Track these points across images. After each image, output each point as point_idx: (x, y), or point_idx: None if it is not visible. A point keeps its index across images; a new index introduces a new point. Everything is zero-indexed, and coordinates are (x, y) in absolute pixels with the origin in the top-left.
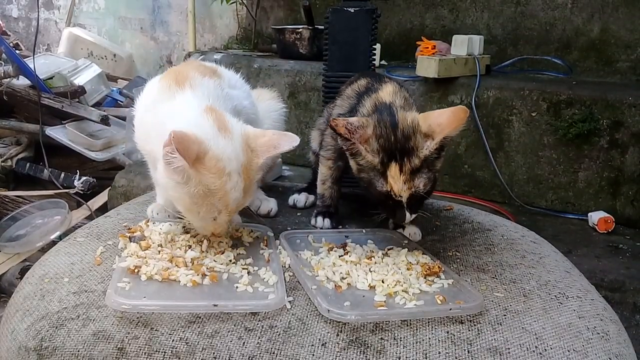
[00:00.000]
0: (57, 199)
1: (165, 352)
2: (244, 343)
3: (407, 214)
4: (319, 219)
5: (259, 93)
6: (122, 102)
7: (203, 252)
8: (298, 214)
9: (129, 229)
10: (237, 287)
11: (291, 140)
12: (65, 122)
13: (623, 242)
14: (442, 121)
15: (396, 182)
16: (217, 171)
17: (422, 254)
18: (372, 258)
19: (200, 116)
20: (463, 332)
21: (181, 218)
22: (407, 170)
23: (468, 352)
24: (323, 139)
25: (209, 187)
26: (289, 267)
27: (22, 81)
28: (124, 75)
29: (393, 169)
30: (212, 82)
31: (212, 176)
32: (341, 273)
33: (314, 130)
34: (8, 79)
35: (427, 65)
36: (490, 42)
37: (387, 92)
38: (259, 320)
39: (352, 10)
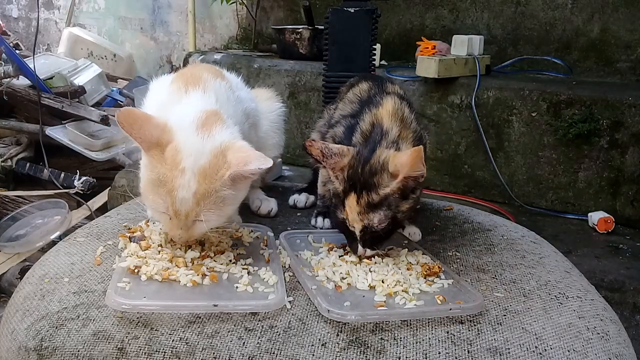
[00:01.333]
0: (57, 199)
1: (165, 352)
2: (244, 343)
3: (360, 247)
4: (319, 219)
5: (256, 93)
6: (122, 102)
7: (204, 251)
8: (298, 214)
9: (129, 229)
10: (237, 287)
11: (262, 162)
12: (65, 122)
13: (623, 242)
14: (403, 161)
15: (352, 212)
16: (172, 163)
17: (422, 254)
18: (372, 258)
19: (190, 113)
20: (463, 332)
21: None
22: (362, 203)
23: (468, 352)
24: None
25: (160, 177)
26: (289, 267)
27: (22, 81)
28: (124, 75)
29: (351, 199)
30: (224, 84)
31: (165, 166)
32: (341, 273)
33: (314, 132)
34: (8, 79)
35: (427, 66)
36: (490, 42)
37: (387, 112)
38: (259, 320)
39: (352, 10)
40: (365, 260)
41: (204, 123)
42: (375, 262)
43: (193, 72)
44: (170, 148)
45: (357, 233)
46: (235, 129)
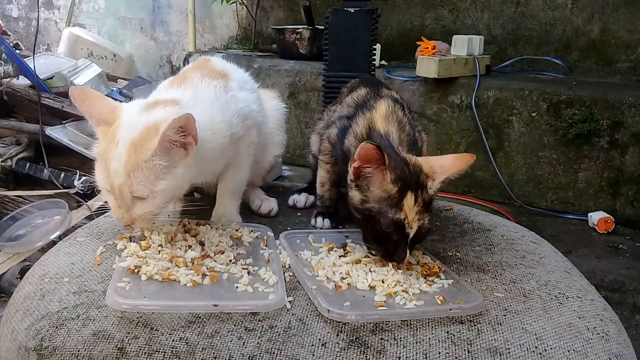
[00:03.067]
0: (57, 199)
1: (165, 352)
2: (244, 343)
3: (408, 251)
4: (319, 219)
5: (260, 93)
6: (122, 102)
7: (204, 251)
8: (298, 214)
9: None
10: (237, 287)
11: (182, 119)
12: (65, 122)
13: (623, 242)
14: (446, 164)
15: (411, 212)
16: (111, 136)
17: (422, 254)
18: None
19: (143, 101)
20: (463, 332)
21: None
22: (420, 202)
23: (468, 352)
24: (321, 144)
25: (101, 150)
26: (289, 267)
27: (22, 81)
28: (124, 75)
29: (409, 198)
30: (214, 84)
31: (105, 140)
32: (341, 273)
33: (314, 134)
34: (8, 79)
35: (427, 66)
36: (490, 43)
37: (380, 114)
38: (259, 320)
39: (352, 11)
40: (364, 259)
41: (151, 104)
42: (375, 262)
43: (185, 73)
44: (115, 125)
45: (412, 235)
46: (196, 114)
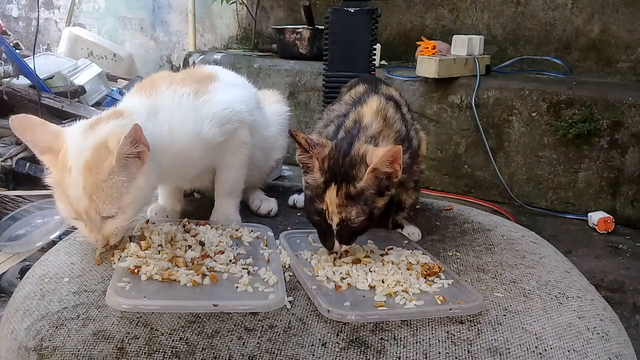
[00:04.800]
0: None
1: (165, 352)
2: (244, 343)
3: (336, 242)
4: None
5: (264, 95)
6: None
7: (204, 251)
8: (298, 214)
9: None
10: (237, 287)
11: (127, 130)
12: (65, 121)
13: (623, 242)
14: (376, 154)
15: (331, 204)
16: (62, 164)
17: (422, 254)
18: (372, 258)
19: (85, 122)
20: (463, 332)
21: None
22: (342, 195)
23: (468, 352)
24: None
25: (56, 181)
26: (289, 267)
27: (22, 81)
28: (124, 75)
29: (331, 190)
30: (181, 91)
31: (56, 169)
32: (341, 273)
33: (314, 134)
34: (8, 79)
35: (427, 66)
36: (490, 42)
37: (370, 110)
38: (259, 320)
39: (352, 10)
40: (364, 259)
41: (92, 124)
42: (375, 262)
43: (154, 80)
44: (62, 152)
45: (334, 227)
46: (146, 122)
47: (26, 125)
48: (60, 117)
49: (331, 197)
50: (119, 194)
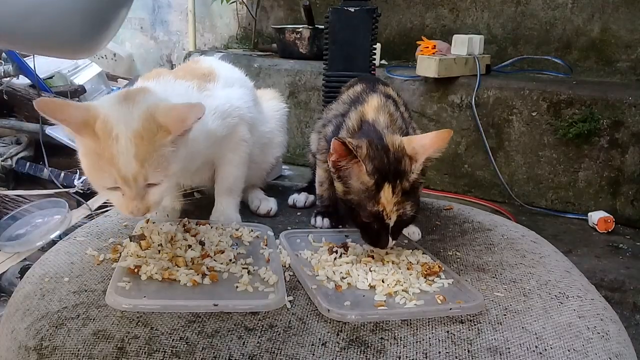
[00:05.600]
0: (57, 198)
1: (165, 352)
2: (244, 342)
3: (390, 239)
4: (319, 218)
5: (261, 93)
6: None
7: (204, 251)
8: (298, 213)
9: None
10: (237, 287)
11: (198, 111)
12: None
13: (623, 242)
14: (426, 142)
15: (389, 203)
16: (104, 133)
17: (422, 253)
18: (372, 257)
19: (112, 95)
20: (463, 332)
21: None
22: (398, 193)
23: (468, 351)
24: (319, 142)
25: (96, 151)
26: (289, 266)
27: (22, 80)
28: (124, 74)
29: (386, 191)
30: (186, 85)
31: (98, 140)
32: (341, 273)
33: (313, 133)
34: (8, 78)
35: (427, 65)
36: (491, 42)
37: (372, 107)
38: (259, 320)
39: (352, 10)
40: (364, 259)
41: (126, 96)
42: (376, 262)
43: (157, 71)
44: (99, 122)
45: (392, 224)
46: (153, 96)
47: (54, 107)
48: None
49: (387, 197)
50: (167, 163)
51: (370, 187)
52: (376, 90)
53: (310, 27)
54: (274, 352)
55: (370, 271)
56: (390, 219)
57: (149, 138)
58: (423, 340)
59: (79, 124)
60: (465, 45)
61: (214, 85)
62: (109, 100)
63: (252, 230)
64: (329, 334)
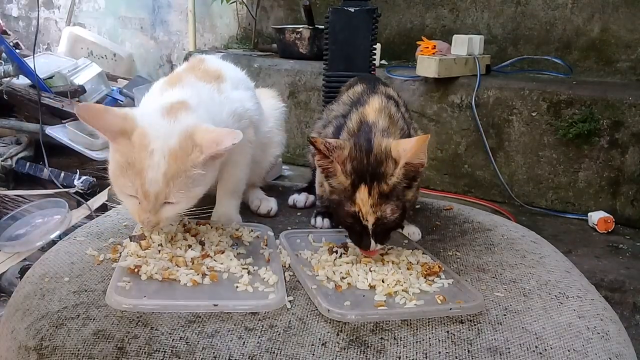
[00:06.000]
0: (57, 199)
1: (165, 352)
2: (244, 342)
3: (372, 242)
4: (319, 218)
5: (259, 93)
6: (122, 101)
7: (204, 251)
8: (298, 213)
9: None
10: (237, 287)
11: (234, 137)
12: (65, 121)
13: (623, 242)
14: (407, 147)
15: (364, 205)
16: (140, 145)
17: (422, 253)
18: (372, 258)
19: (158, 102)
20: (463, 332)
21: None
22: (375, 194)
23: (468, 351)
24: None
25: (128, 160)
26: (289, 266)
27: (22, 80)
28: (124, 74)
29: (362, 192)
30: (208, 87)
31: (133, 149)
32: (341, 273)
33: (313, 133)
34: (8, 79)
35: (427, 65)
36: (491, 42)
37: (373, 109)
38: (259, 320)
39: (352, 10)
40: (364, 259)
41: (169, 110)
42: (375, 262)
43: (180, 75)
44: (137, 133)
45: (370, 227)
46: (205, 119)
47: (93, 113)
48: (60, 116)
49: (363, 198)
50: (192, 185)
51: (347, 187)
52: (377, 91)
53: (310, 27)
54: (274, 352)
55: (370, 271)
56: (367, 220)
57: (182, 158)
58: (423, 340)
59: (116, 132)
60: (465, 45)
61: (225, 87)
62: (150, 113)
63: (252, 231)
64: (329, 334)
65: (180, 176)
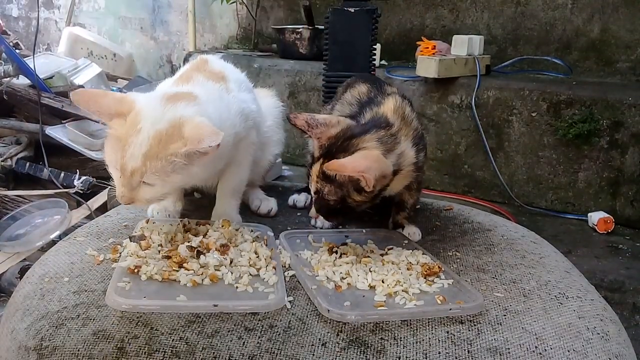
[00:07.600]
0: (57, 199)
1: (165, 352)
2: (244, 343)
3: (313, 209)
4: (319, 219)
5: (256, 93)
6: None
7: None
8: (298, 214)
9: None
10: (237, 287)
11: (214, 139)
12: (65, 121)
13: (623, 242)
14: (346, 161)
15: (313, 173)
16: (131, 123)
17: (422, 254)
18: (372, 258)
19: (163, 90)
20: (463, 332)
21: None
22: (321, 169)
23: (468, 352)
24: None
25: (120, 134)
26: (289, 267)
27: (22, 81)
28: (124, 74)
29: (317, 164)
30: (217, 86)
31: (125, 125)
32: (341, 273)
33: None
34: (8, 79)
35: (427, 65)
36: (490, 42)
37: (389, 109)
38: (259, 320)
39: (352, 10)
40: (364, 259)
41: (170, 97)
42: (375, 262)
43: (189, 73)
44: (132, 113)
45: (313, 194)
46: (210, 113)
47: (88, 98)
48: (60, 116)
49: (315, 167)
50: (170, 171)
51: (316, 157)
52: (389, 92)
53: (310, 27)
54: (274, 353)
55: (370, 271)
56: (311, 187)
57: (165, 143)
58: (423, 340)
59: (111, 114)
60: (465, 45)
61: (231, 87)
62: (153, 96)
63: (252, 230)
64: (329, 334)
65: (160, 160)
